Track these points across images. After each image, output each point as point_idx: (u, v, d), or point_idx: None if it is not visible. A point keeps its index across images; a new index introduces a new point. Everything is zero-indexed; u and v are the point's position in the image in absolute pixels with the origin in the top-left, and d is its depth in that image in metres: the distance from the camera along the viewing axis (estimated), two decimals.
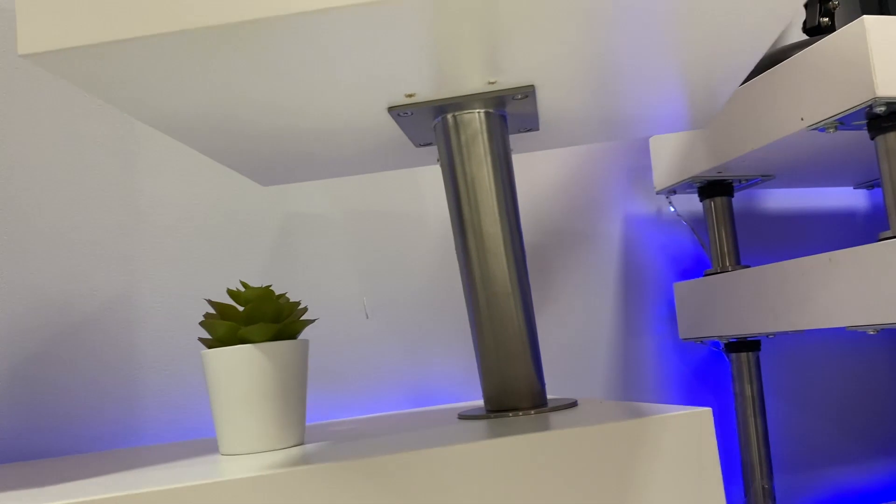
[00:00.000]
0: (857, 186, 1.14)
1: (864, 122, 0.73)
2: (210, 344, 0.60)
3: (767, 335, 0.88)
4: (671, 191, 1.02)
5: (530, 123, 0.65)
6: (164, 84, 0.49)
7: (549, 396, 0.82)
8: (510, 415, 0.65)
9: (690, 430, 0.55)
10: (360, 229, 0.94)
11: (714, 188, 0.99)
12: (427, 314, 0.95)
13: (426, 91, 0.55)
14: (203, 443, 0.74)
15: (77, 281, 0.83)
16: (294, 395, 0.59)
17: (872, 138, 0.73)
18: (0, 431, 0.79)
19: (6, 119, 0.83)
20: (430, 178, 0.98)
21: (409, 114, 0.59)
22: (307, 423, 0.86)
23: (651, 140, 1.04)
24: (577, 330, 1.01)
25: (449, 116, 0.59)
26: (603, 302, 1.03)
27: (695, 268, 1.09)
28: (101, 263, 0.84)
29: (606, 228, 1.06)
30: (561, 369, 1.00)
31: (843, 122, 0.73)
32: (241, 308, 0.60)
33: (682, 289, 1.01)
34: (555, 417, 0.60)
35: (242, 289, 0.61)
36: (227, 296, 0.78)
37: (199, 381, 0.85)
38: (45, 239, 0.83)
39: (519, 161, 1.02)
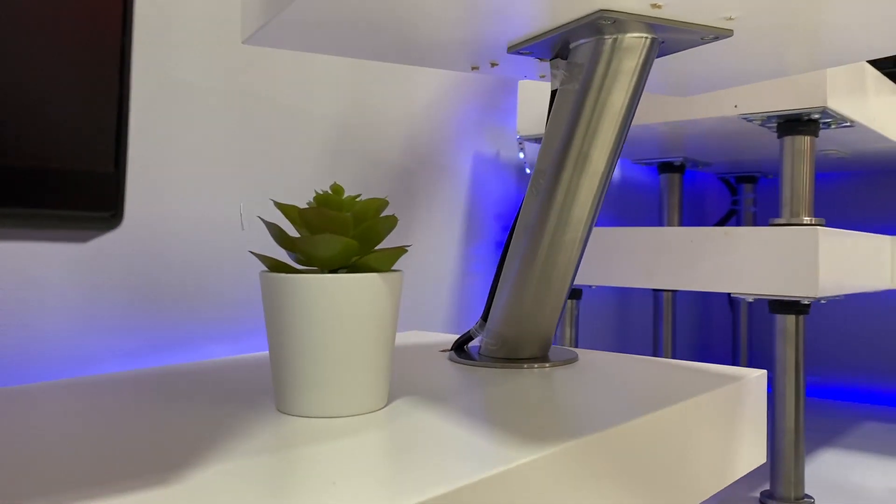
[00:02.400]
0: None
1: (777, 122, 0.84)
2: (277, 266, 0.44)
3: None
4: (534, 139, 1.03)
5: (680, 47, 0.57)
6: None
7: None
8: (533, 367, 0.61)
9: (750, 392, 0.59)
10: (243, 109, 0.75)
11: None
12: None
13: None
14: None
15: None
16: (394, 339, 0.46)
17: (780, 137, 0.85)
18: None
19: None
20: (322, 68, 0.83)
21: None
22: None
23: (520, 83, 1.04)
24: (427, 265, 0.97)
25: (609, 39, 0.51)
26: (448, 238, 1.01)
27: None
28: None
29: (457, 163, 1.02)
30: (414, 304, 0.95)
31: (770, 118, 0.82)
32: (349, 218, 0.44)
33: None
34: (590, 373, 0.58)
35: (322, 192, 0.45)
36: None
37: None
38: None
39: (397, 70, 0.92)
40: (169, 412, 0.45)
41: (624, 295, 1.40)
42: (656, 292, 1.30)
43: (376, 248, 0.46)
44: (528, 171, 1.12)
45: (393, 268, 0.46)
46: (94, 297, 0.63)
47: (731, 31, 0.51)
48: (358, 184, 0.87)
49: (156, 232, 0.68)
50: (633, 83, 0.53)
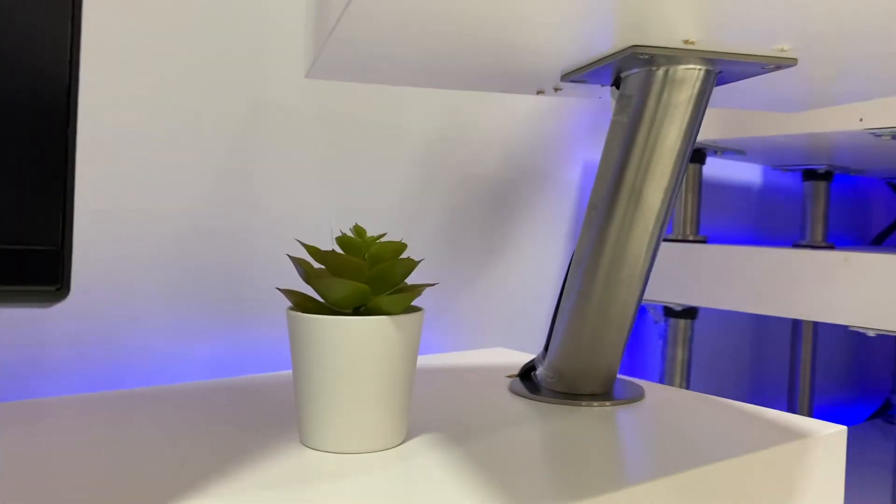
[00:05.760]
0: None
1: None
2: (301, 302, 0.46)
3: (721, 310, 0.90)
4: None
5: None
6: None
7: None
8: (592, 405, 0.59)
9: (827, 450, 0.53)
10: (333, 134, 0.78)
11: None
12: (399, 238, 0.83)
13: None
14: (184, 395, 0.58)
15: None
16: (413, 375, 0.47)
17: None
18: None
19: None
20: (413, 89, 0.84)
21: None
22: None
23: None
24: (525, 277, 0.96)
25: (660, 70, 0.48)
26: (552, 249, 0.99)
27: None
28: None
29: (566, 173, 1.00)
30: (505, 318, 0.95)
31: None
32: (364, 262, 0.45)
33: None
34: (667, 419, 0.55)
35: (345, 233, 0.46)
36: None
37: (114, 312, 0.66)
38: None
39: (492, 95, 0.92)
40: (196, 432, 0.48)
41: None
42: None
43: (407, 284, 0.46)
44: None
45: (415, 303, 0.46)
46: (195, 308, 0.69)
47: (795, 59, 0.46)
48: (454, 196, 0.88)
49: (257, 248, 0.72)
50: (687, 116, 0.49)
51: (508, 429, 0.52)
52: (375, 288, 0.45)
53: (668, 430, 0.53)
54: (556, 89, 0.59)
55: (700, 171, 0.99)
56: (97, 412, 0.52)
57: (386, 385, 0.44)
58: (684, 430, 0.53)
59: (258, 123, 0.72)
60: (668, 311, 1.00)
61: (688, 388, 1.01)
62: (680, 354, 1.00)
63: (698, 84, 0.48)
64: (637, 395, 0.62)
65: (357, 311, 0.45)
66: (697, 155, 0.97)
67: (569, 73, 0.54)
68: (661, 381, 1.03)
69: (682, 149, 0.50)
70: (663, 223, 0.54)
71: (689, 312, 1.00)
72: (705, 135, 0.92)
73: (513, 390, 0.63)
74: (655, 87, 0.49)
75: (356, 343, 0.43)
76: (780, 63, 0.46)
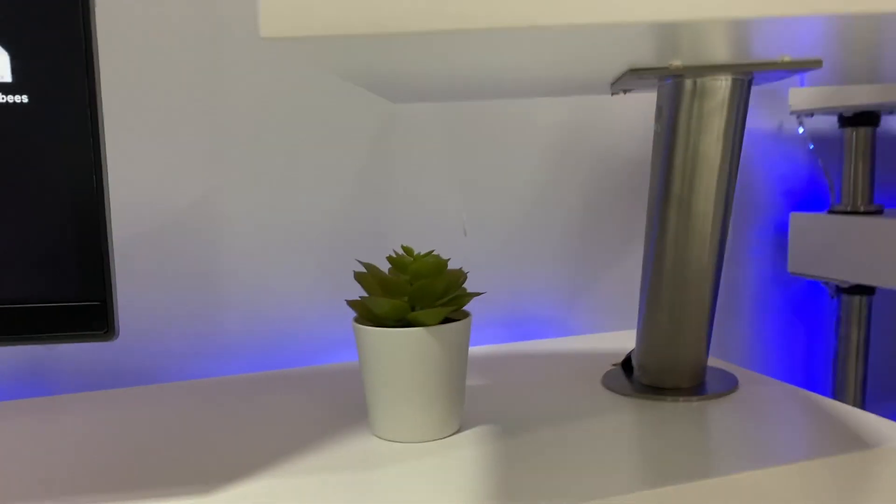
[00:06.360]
0: None
1: None
2: (362, 311, 0.53)
3: None
4: (808, 113, 0.91)
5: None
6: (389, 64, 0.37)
7: None
8: (678, 399, 0.60)
9: None
10: (462, 136, 0.83)
11: (859, 117, 0.89)
12: (528, 232, 0.87)
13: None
14: (289, 379, 0.68)
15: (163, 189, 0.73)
16: (461, 376, 0.52)
17: None
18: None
19: None
20: None
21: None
22: None
23: None
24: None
25: (688, 81, 0.48)
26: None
27: (809, 198, 1.00)
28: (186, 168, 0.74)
29: None
30: None
31: None
32: (404, 279, 0.52)
33: (800, 221, 0.94)
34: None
35: (401, 252, 0.53)
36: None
37: (284, 293, 0.78)
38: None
39: None
40: (277, 416, 0.58)
41: None
42: None
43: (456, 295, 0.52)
44: (810, 147, 0.99)
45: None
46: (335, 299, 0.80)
47: (819, 60, 0.43)
48: (590, 179, 0.90)
49: (392, 240, 0.81)
50: (723, 124, 0.48)
51: (567, 422, 0.55)
52: (418, 301, 0.51)
53: (736, 430, 0.53)
54: (625, 91, 0.59)
55: (873, 134, 0.90)
56: (210, 394, 0.65)
57: (429, 385, 0.50)
58: (755, 429, 0.52)
59: (393, 124, 0.80)
60: (840, 287, 0.93)
61: (865, 372, 0.94)
62: (855, 334, 0.93)
63: (727, 93, 0.47)
64: (727, 389, 0.62)
65: (402, 322, 0.51)
66: (866, 118, 0.89)
67: (614, 83, 0.54)
68: (834, 364, 0.96)
69: (724, 155, 0.49)
70: (723, 224, 0.53)
71: (864, 288, 0.92)
72: (875, 96, 0.83)
73: (605, 382, 0.66)
74: (685, 98, 0.48)
75: (396, 351, 0.50)
76: (805, 67, 0.43)
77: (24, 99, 0.36)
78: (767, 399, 0.60)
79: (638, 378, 0.64)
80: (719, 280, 0.57)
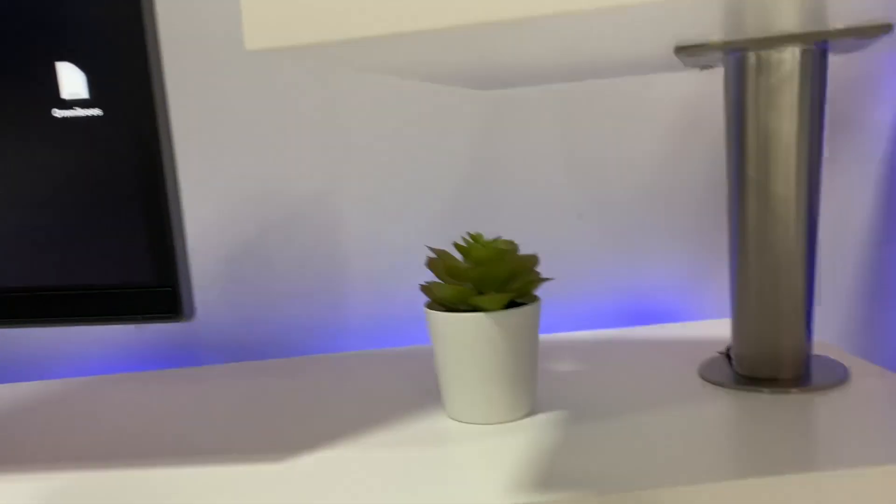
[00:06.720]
0: None
1: None
2: (432, 296, 0.55)
3: None
4: None
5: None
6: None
7: None
8: (775, 391, 0.57)
9: None
10: (572, 110, 0.82)
11: None
12: (648, 214, 0.85)
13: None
14: (405, 360, 0.72)
15: (282, 180, 0.80)
16: (528, 360, 0.53)
17: None
18: (208, 325, 0.81)
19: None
20: None
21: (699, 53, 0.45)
22: None
23: None
24: (822, 229, 0.88)
25: (751, 55, 0.45)
26: (859, 197, 0.88)
27: None
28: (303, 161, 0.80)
29: (868, 116, 0.87)
30: None
31: None
32: (467, 265, 0.53)
33: None
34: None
35: (469, 241, 0.54)
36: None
37: (400, 284, 0.82)
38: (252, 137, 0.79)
39: None
40: (358, 396, 0.61)
41: None
42: None
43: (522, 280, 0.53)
44: None
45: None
46: None
47: (890, 24, 0.38)
48: (716, 158, 0.85)
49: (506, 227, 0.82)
50: (795, 101, 0.44)
51: (645, 410, 0.54)
52: (482, 286, 0.52)
53: (829, 424, 0.49)
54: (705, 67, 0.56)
55: None
56: (293, 373, 0.69)
57: (492, 368, 0.52)
58: (852, 425, 0.49)
59: (502, 110, 0.81)
60: None
61: None
62: None
63: (797, 66, 0.43)
64: (835, 382, 0.57)
65: (467, 308, 0.53)
66: None
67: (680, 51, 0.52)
68: None
69: (799, 134, 0.46)
70: (808, 208, 0.49)
71: None
72: None
73: (701, 371, 0.63)
74: (751, 73, 0.45)
75: (459, 334, 0.51)
76: (877, 33, 0.39)
77: (99, 112, 0.42)
78: (878, 393, 0.55)
79: (737, 368, 0.61)
80: (814, 265, 0.53)
